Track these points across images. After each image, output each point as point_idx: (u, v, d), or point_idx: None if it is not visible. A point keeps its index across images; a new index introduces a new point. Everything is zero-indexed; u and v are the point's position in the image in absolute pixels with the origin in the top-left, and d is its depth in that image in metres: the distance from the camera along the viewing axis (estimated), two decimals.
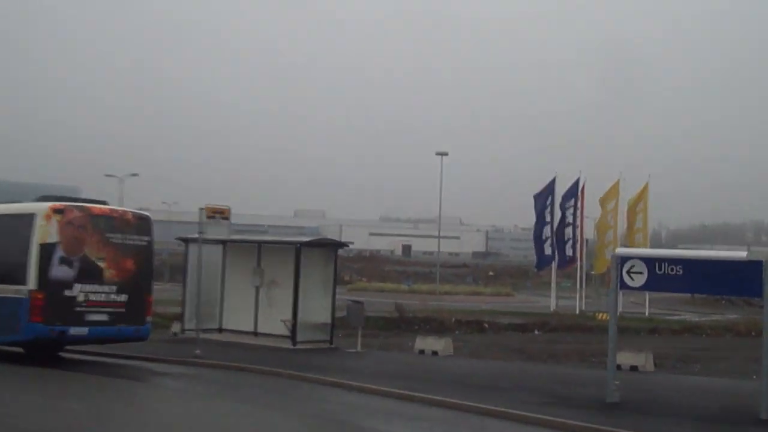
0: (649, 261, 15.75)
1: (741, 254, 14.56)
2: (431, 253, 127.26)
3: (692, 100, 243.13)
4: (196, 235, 23.90)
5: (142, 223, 21.29)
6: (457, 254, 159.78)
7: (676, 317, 49.88)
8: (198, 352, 22.53)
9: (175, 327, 28.42)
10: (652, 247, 57.80)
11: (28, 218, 19.72)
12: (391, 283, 73.00)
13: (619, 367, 20.55)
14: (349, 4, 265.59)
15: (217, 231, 23.91)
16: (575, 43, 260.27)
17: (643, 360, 22.75)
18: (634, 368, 22.34)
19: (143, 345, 22.06)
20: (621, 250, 15.86)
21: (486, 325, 38.08)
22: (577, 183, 51.55)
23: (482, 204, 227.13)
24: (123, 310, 20.47)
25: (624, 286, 16.17)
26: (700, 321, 46.34)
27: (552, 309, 49.79)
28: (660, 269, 15.53)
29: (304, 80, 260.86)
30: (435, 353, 25.29)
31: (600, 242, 52.23)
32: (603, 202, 51.91)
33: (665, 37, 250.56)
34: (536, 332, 37.45)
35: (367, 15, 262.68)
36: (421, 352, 25.62)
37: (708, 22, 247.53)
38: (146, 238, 21.23)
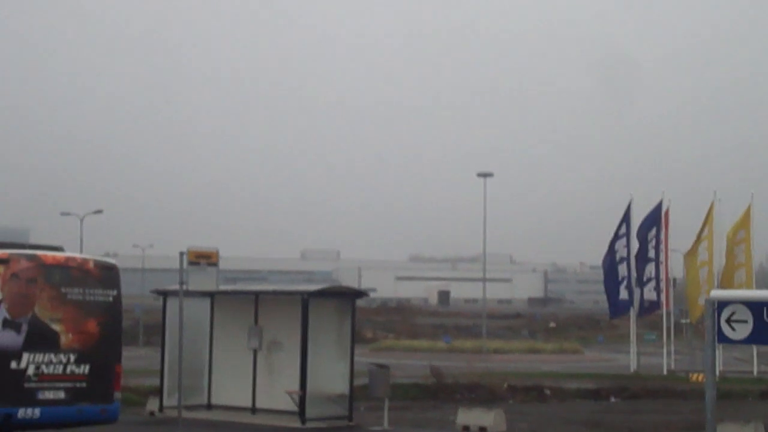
0: (755, 305, 15.51)
1: None
2: (475, 301, 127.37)
3: None
4: (176, 287, 23.87)
5: (107, 274, 21.26)
6: (508, 301, 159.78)
7: None
8: None
9: (152, 404, 28.40)
10: (758, 286, 57.31)
11: None
12: (426, 341, 72.83)
13: None
14: (362, 27, 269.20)
15: (202, 280, 23.83)
16: (650, 52, 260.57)
17: None
18: None
19: (112, 428, 21.99)
20: (717, 293, 15.65)
21: (548, 392, 37.82)
22: (659, 208, 51.27)
23: (539, 238, 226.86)
24: (85, 384, 20.42)
25: (723, 338, 15.91)
26: None
27: (632, 369, 49.51)
28: None
29: (306, 101, 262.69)
30: (483, 429, 25.13)
31: (692, 282, 51.86)
32: (698, 232, 51.63)
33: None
34: (613, 399, 37.16)
35: (384, 39, 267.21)
36: (466, 428, 25.46)
37: None
38: (113, 293, 21.19)
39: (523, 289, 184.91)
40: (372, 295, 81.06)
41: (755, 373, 48.64)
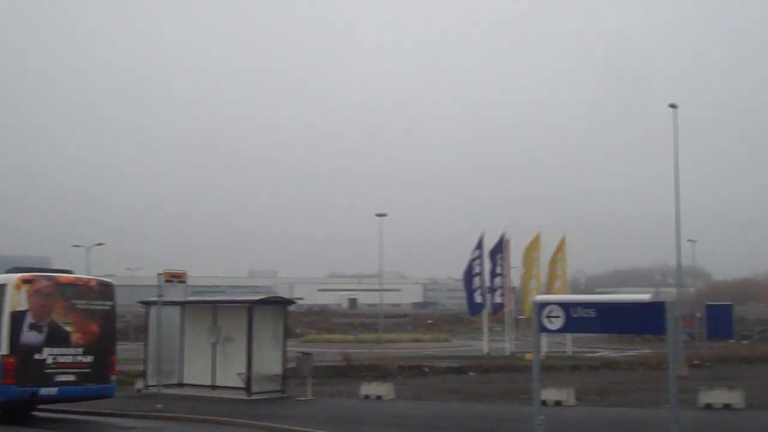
0: (565, 306, 15.83)
1: (645, 296, 14.77)
2: (375, 305, 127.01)
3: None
4: (156, 298, 23.70)
5: (105, 290, 21.09)
6: (398, 305, 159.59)
7: (595, 354, 50.22)
8: (160, 406, 22.21)
9: (139, 383, 28.00)
10: (572, 292, 58.45)
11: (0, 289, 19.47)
12: (339, 334, 72.67)
13: (544, 402, 20.60)
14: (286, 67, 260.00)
15: (175, 294, 23.76)
16: (499, 109, 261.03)
17: (565, 395, 22.85)
18: (558, 403, 22.42)
19: (109, 401, 21.69)
20: (539, 297, 15.96)
21: (426, 369, 37.92)
22: (502, 238, 52.22)
23: (420, 259, 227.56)
24: (89, 370, 20.21)
25: (544, 329, 16.22)
26: (617, 357, 46.73)
27: (485, 352, 49.85)
28: (575, 313, 15.58)
29: (249, 147, 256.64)
30: (379, 397, 25.16)
31: (525, 290, 52.67)
32: (527, 253, 52.47)
33: (561, 105, 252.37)
34: (471, 374, 37.37)
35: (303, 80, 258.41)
36: (367, 397, 25.47)
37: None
38: (109, 303, 21.02)
39: (409, 296, 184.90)
40: (300, 302, 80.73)
41: (569, 352, 49.40)
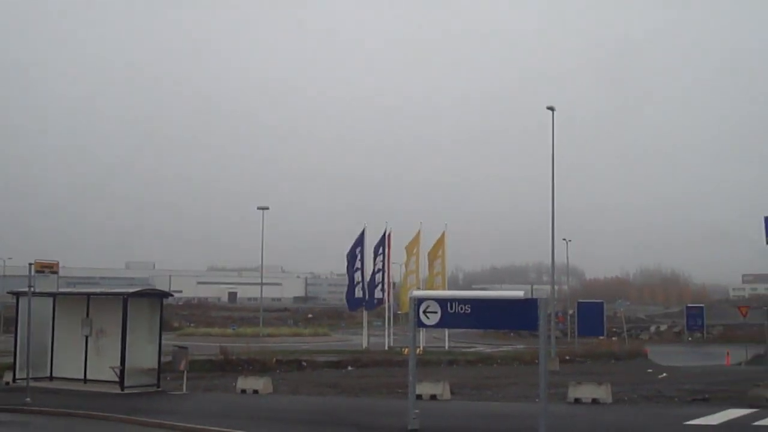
0: (441, 301, 16.13)
1: (519, 293, 15.17)
2: (255, 299, 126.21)
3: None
4: (26, 289, 22.95)
5: None
6: (279, 299, 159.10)
7: (472, 349, 51.20)
8: (28, 399, 21.57)
9: (7, 376, 27.16)
10: (450, 288, 59.37)
11: None
12: (218, 328, 71.95)
13: (420, 396, 20.89)
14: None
15: (46, 284, 23.06)
16: (385, 100, 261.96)
17: (440, 389, 23.16)
18: (433, 397, 22.71)
19: None
20: (417, 293, 16.18)
21: (304, 364, 37.92)
22: (384, 233, 52.63)
23: (302, 253, 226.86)
24: None
25: (421, 324, 16.50)
26: (492, 352, 47.78)
27: (364, 346, 50.22)
28: (451, 308, 15.91)
29: (129, 137, 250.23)
30: (256, 392, 25.00)
31: (404, 285, 53.33)
32: (407, 249, 53.07)
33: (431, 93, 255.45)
34: (349, 368, 37.57)
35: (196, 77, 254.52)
36: (243, 391, 25.27)
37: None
38: None
39: (290, 290, 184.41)
40: (178, 295, 79.50)
41: (446, 347, 50.23)
